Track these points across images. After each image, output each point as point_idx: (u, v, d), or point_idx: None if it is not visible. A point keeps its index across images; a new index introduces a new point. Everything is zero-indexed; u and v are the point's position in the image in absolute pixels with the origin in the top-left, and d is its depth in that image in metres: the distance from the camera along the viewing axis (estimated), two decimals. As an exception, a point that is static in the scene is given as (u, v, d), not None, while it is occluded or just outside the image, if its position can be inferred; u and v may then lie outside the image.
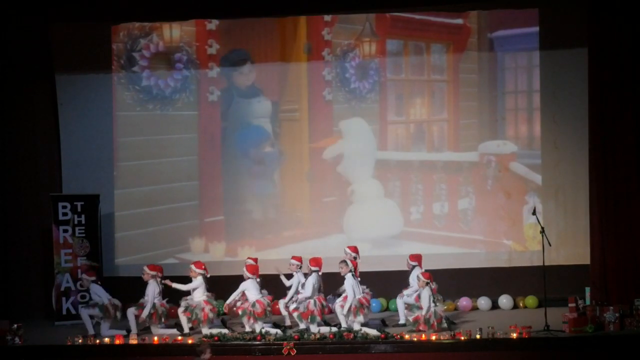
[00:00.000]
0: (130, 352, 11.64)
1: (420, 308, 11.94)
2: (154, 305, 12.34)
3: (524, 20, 14.36)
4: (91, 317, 12.39)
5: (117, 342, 11.77)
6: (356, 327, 11.87)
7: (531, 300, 13.98)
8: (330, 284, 12.66)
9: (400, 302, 12.70)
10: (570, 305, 11.78)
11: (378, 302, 13.89)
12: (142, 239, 14.70)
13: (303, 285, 12.36)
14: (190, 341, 11.70)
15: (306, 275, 12.41)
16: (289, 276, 12.72)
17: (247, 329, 12.08)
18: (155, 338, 11.86)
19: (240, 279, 12.36)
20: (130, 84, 14.85)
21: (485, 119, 14.54)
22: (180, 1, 14.33)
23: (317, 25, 14.69)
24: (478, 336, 11.33)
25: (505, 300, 14.06)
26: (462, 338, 11.32)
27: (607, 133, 12.74)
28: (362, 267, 12.67)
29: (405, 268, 12.87)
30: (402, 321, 12.53)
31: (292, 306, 12.23)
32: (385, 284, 13.66)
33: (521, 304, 14.06)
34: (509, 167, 14.44)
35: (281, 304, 12.66)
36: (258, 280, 12.37)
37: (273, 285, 12.79)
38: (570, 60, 14.00)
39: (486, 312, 13.95)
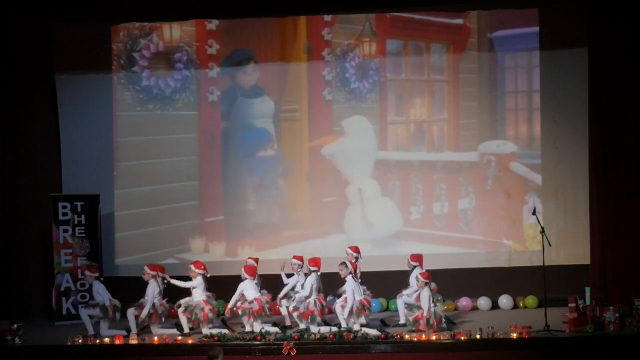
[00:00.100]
0: (130, 352, 11.63)
1: (420, 308, 11.94)
2: (153, 305, 12.34)
3: (524, 20, 14.36)
4: (90, 317, 12.39)
5: (117, 342, 11.77)
6: (356, 327, 11.87)
7: (531, 300, 13.98)
8: (331, 284, 12.66)
9: (400, 302, 12.70)
10: (570, 305, 11.78)
11: (378, 302, 13.89)
12: (142, 239, 14.70)
13: (303, 285, 12.37)
14: (190, 341, 11.71)
15: (307, 275, 12.40)
16: (290, 275, 12.73)
17: (247, 328, 12.08)
18: (155, 338, 11.86)
19: (240, 279, 12.35)
20: (130, 84, 14.85)
21: (485, 119, 14.54)
22: (180, 1, 14.34)
23: (317, 25, 14.69)
24: (478, 336, 11.32)
25: (505, 300, 14.06)
26: (462, 338, 11.32)
27: (607, 133, 12.74)
28: (362, 267, 12.66)
29: (405, 268, 12.86)
30: (402, 321, 12.53)
31: (292, 306, 12.24)
32: (385, 284, 13.66)
33: (521, 304, 14.06)
34: (509, 167, 14.44)
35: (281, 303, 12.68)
36: (256, 281, 12.36)
37: (273, 285, 12.79)
38: (570, 60, 14.00)
39: (486, 312, 13.96)
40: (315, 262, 12.31)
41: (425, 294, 11.92)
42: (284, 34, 14.78)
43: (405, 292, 12.63)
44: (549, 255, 12.74)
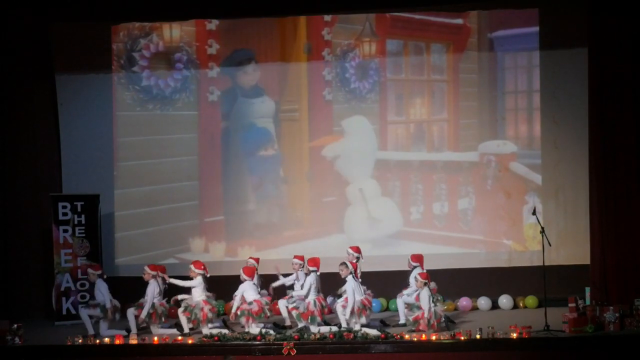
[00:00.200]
0: (130, 352, 11.62)
1: (420, 308, 11.93)
2: (153, 305, 12.34)
3: (524, 20, 14.36)
4: (90, 317, 12.39)
5: (117, 342, 11.76)
6: (356, 327, 11.87)
7: (531, 300, 13.98)
8: (331, 284, 12.66)
9: (400, 302, 12.70)
10: (570, 305, 11.77)
11: (378, 302, 13.89)
12: (142, 239, 14.70)
13: (302, 285, 12.36)
14: (190, 341, 11.70)
15: (307, 275, 12.39)
16: (287, 276, 12.75)
17: (246, 329, 12.07)
18: (155, 338, 11.86)
19: (240, 279, 12.36)
20: (130, 84, 14.85)
21: (485, 119, 14.54)
22: (180, 1, 14.34)
23: (317, 25, 14.69)
24: (478, 336, 11.32)
25: (505, 300, 14.06)
26: (462, 338, 11.31)
27: (607, 133, 12.74)
28: (362, 267, 12.66)
29: (405, 268, 12.86)
30: (402, 321, 12.53)
31: (292, 305, 12.24)
32: (385, 284, 13.66)
33: (521, 304, 14.06)
34: (509, 167, 14.44)
35: (281, 303, 12.67)
36: (255, 282, 12.35)
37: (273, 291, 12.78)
38: (570, 60, 14.00)
39: (486, 312, 13.96)
40: (315, 262, 12.31)
41: (425, 294, 11.92)
42: (284, 34, 14.78)
43: (405, 292, 12.63)
44: (549, 255, 12.74)
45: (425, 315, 11.80)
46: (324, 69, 14.72)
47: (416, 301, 12.13)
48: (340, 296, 12.26)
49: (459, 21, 14.57)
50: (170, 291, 12.60)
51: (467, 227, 14.50)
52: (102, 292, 12.45)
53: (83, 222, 14.05)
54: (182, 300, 12.45)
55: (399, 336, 11.49)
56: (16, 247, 14.44)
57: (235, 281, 12.42)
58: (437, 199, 14.60)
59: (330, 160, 14.68)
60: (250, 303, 12.05)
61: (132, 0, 14.31)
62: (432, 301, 11.91)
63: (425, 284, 11.96)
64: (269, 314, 12.17)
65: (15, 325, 12.06)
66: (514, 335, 11.27)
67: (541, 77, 14.30)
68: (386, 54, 14.68)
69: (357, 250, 12.81)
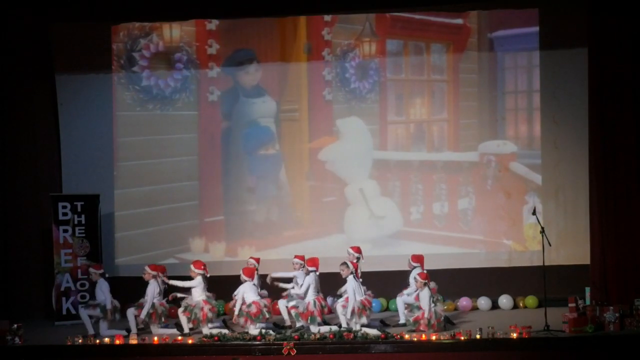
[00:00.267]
0: (130, 352, 11.62)
1: (420, 308, 11.93)
2: (153, 305, 12.34)
3: (524, 20, 14.36)
4: (90, 317, 12.39)
5: (117, 342, 11.76)
6: (356, 327, 11.86)
7: (531, 300, 13.98)
8: (331, 284, 12.65)
9: (400, 302, 12.69)
10: (570, 305, 11.77)
11: (378, 302, 13.89)
12: (142, 239, 14.70)
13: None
14: (190, 341, 11.70)
15: (307, 275, 12.39)
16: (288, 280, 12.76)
17: (246, 329, 12.06)
18: (155, 338, 11.86)
19: (240, 279, 12.35)
20: (130, 84, 14.85)
21: (485, 119, 14.54)
22: (180, 1, 14.34)
23: (317, 25, 14.69)
24: (478, 336, 11.32)
25: (505, 300, 14.06)
26: (462, 338, 11.31)
27: (607, 133, 12.74)
28: (362, 267, 12.66)
29: (406, 268, 12.85)
30: (402, 321, 12.53)
31: (291, 304, 12.24)
32: (385, 284, 13.66)
33: (521, 304, 14.06)
34: (509, 167, 14.44)
35: (281, 303, 12.67)
36: (255, 282, 12.35)
37: (273, 285, 12.77)
38: (570, 60, 14.00)
39: (486, 312, 13.96)
40: (314, 262, 12.31)
41: (425, 294, 11.91)
42: (284, 34, 14.78)
43: (405, 291, 12.63)
44: (549, 255, 12.74)
45: (426, 315, 11.80)
46: (324, 69, 14.72)
47: (416, 300, 12.13)
48: (340, 296, 12.26)
49: (459, 21, 14.57)
50: (170, 292, 12.59)
51: (467, 227, 14.50)
52: (104, 291, 12.44)
53: (83, 222, 14.05)
54: (181, 298, 12.44)
55: (399, 336, 11.49)
56: (16, 247, 14.44)
57: (235, 281, 12.41)
58: (437, 199, 14.60)
59: (327, 162, 14.66)
60: (249, 305, 12.04)
61: (132, 0, 14.31)
62: (432, 301, 11.91)
63: (425, 284, 11.96)
64: (267, 316, 12.13)
65: (15, 325, 12.06)
66: (514, 335, 11.27)
67: (541, 77, 14.30)
68: (386, 54, 14.68)
69: (358, 250, 12.80)
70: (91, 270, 12.74)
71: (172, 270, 13.35)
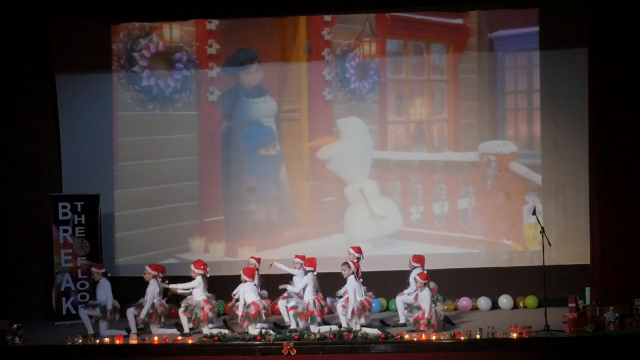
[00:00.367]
0: (130, 352, 11.62)
1: (420, 309, 11.93)
2: (153, 305, 12.34)
3: (524, 20, 14.36)
4: (90, 316, 12.39)
5: (117, 342, 11.76)
6: (356, 327, 11.86)
7: (531, 300, 13.98)
8: (331, 284, 12.65)
9: (399, 302, 12.69)
10: (570, 305, 11.77)
11: (378, 302, 13.88)
12: (142, 239, 14.70)
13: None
14: (190, 341, 11.70)
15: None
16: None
17: (245, 329, 12.06)
18: (155, 338, 11.86)
19: (240, 279, 12.35)
20: (130, 84, 14.85)
21: (485, 119, 14.54)
22: (180, 1, 14.34)
23: (317, 25, 14.69)
24: (478, 336, 11.32)
25: (505, 300, 14.06)
26: (462, 338, 11.31)
27: (607, 133, 12.74)
28: (362, 267, 12.66)
29: (406, 268, 12.85)
30: (402, 321, 12.53)
31: (291, 304, 12.23)
32: (385, 284, 13.66)
33: (521, 304, 14.06)
34: (509, 167, 14.44)
35: (280, 303, 12.67)
36: (256, 282, 12.35)
37: (273, 285, 12.78)
38: (570, 60, 14.01)
39: (486, 312, 13.96)
40: (311, 262, 12.31)
41: (425, 294, 11.91)
42: (284, 34, 14.78)
43: (405, 291, 12.63)
44: (549, 255, 12.74)
45: (426, 315, 11.79)
46: (324, 69, 14.72)
47: (415, 300, 12.13)
48: (341, 297, 12.25)
49: (459, 21, 14.57)
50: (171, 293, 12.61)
51: (467, 227, 14.50)
52: (106, 291, 12.44)
53: (83, 222, 14.05)
54: (182, 297, 12.44)
55: (399, 336, 11.49)
56: (16, 247, 14.44)
57: (235, 281, 12.42)
58: (437, 199, 14.60)
59: (326, 161, 14.67)
60: (248, 306, 12.02)
61: (132, 0, 14.31)
62: (432, 301, 11.91)
63: (425, 284, 11.95)
64: (264, 318, 12.12)
65: (15, 325, 12.06)
66: (514, 335, 11.27)
67: (541, 77, 14.30)
68: (386, 54, 14.68)
69: (358, 250, 12.80)
70: (93, 269, 12.74)
71: (172, 270, 13.36)
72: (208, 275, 12.40)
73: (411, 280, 12.59)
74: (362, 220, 14.59)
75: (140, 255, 14.52)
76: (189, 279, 12.43)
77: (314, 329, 11.90)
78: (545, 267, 12.14)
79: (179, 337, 11.97)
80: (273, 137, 14.79)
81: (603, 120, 12.77)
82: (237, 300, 12.22)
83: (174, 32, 14.84)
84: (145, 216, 14.74)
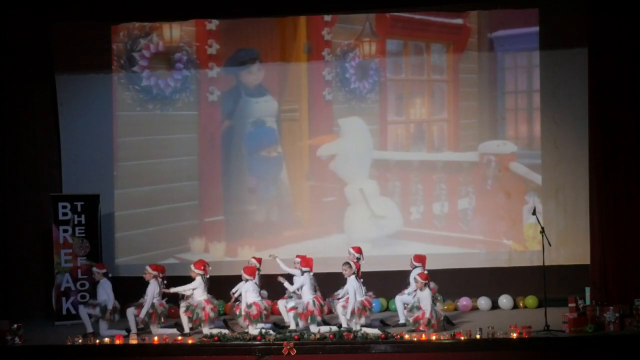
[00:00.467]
0: (130, 352, 11.62)
1: (419, 308, 11.93)
2: (152, 305, 12.34)
3: (524, 20, 14.36)
4: (90, 316, 12.39)
5: (117, 342, 11.76)
6: (356, 327, 11.86)
7: (531, 300, 13.98)
8: (331, 284, 12.65)
9: (399, 302, 12.69)
10: (570, 305, 11.78)
11: (378, 302, 13.88)
12: (142, 239, 14.70)
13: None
14: (190, 341, 11.70)
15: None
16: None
17: (245, 329, 12.06)
18: (155, 338, 11.86)
19: (240, 279, 12.34)
20: (130, 84, 14.85)
21: (485, 119, 14.54)
22: (180, 1, 14.34)
23: (317, 25, 14.69)
24: (478, 336, 11.32)
25: (505, 300, 14.06)
26: (462, 338, 11.31)
27: (607, 133, 12.75)
28: (362, 267, 12.66)
29: (406, 268, 12.84)
30: (402, 321, 12.52)
31: (290, 305, 12.23)
32: (385, 284, 13.66)
33: (521, 304, 14.06)
34: (509, 167, 14.44)
35: (280, 303, 12.67)
36: (256, 281, 12.35)
37: (273, 285, 12.78)
38: (570, 60, 14.01)
39: (486, 312, 13.96)
40: (307, 262, 12.32)
41: (425, 295, 11.91)
42: (284, 34, 14.78)
43: (405, 291, 12.63)
44: (549, 255, 12.74)
45: (427, 315, 11.79)
46: (324, 69, 14.72)
47: (414, 297, 12.14)
48: (340, 298, 12.25)
49: (459, 21, 14.57)
50: (172, 293, 12.60)
51: (467, 227, 14.50)
52: (107, 291, 12.45)
53: (83, 222, 14.05)
54: (183, 297, 12.44)
55: (399, 336, 11.49)
56: (16, 247, 14.45)
57: (236, 281, 12.42)
58: (437, 199, 14.60)
59: (326, 160, 14.67)
60: (249, 306, 12.03)
61: (132, 0, 14.31)
62: (432, 301, 11.91)
63: (425, 284, 11.95)
64: (264, 319, 12.13)
65: (15, 325, 12.06)
66: (514, 335, 11.27)
67: (541, 77, 14.30)
68: (386, 54, 14.68)
69: (359, 250, 12.80)
70: (94, 269, 12.74)
71: (172, 270, 13.36)
72: (208, 276, 12.40)
73: (411, 279, 12.59)
74: (362, 220, 14.59)
75: (140, 255, 14.52)
76: (189, 278, 12.42)
77: (314, 329, 11.90)
78: (545, 267, 12.14)
79: (179, 337, 11.97)
80: (275, 138, 14.78)
81: (603, 120, 12.77)
82: (237, 299, 12.23)
83: (174, 32, 14.84)
84: (145, 216, 14.73)
